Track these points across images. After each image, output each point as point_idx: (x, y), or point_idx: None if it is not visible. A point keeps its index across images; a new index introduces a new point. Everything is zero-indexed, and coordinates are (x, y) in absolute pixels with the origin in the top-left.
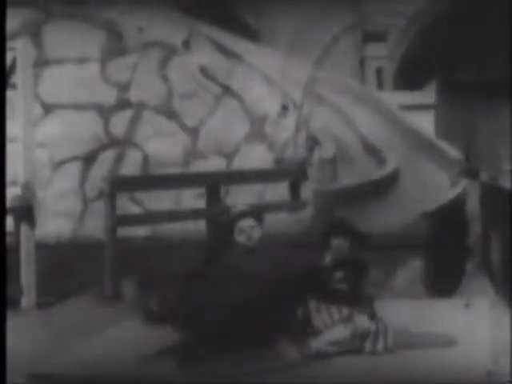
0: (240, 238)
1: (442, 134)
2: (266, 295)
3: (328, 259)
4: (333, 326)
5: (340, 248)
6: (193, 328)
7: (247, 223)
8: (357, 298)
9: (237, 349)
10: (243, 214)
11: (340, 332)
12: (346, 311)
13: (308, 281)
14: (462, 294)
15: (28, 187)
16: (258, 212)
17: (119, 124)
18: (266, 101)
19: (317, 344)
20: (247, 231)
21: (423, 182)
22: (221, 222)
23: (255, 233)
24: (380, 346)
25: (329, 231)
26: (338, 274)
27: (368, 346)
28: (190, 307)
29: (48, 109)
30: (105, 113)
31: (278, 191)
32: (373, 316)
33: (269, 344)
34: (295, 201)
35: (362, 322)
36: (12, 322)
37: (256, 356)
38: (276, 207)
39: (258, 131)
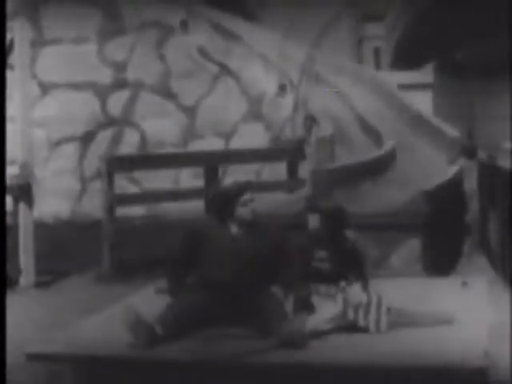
0: (242, 212)
1: (440, 113)
2: (256, 272)
3: (309, 238)
4: (323, 304)
5: (312, 225)
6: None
7: (248, 196)
8: (341, 274)
9: (224, 326)
10: (246, 187)
11: (331, 309)
12: (332, 289)
13: (296, 260)
14: (460, 272)
15: (26, 167)
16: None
17: (116, 104)
18: (263, 80)
19: (311, 323)
20: (249, 204)
21: (421, 160)
22: (226, 195)
23: (255, 206)
24: (372, 319)
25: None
26: (320, 253)
27: (361, 320)
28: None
29: (45, 89)
30: (102, 93)
31: (276, 170)
32: (365, 287)
33: (259, 322)
34: (293, 180)
35: (355, 293)
36: (11, 301)
37: (244, 335)
38: (273, 186)
39: (255, 111)
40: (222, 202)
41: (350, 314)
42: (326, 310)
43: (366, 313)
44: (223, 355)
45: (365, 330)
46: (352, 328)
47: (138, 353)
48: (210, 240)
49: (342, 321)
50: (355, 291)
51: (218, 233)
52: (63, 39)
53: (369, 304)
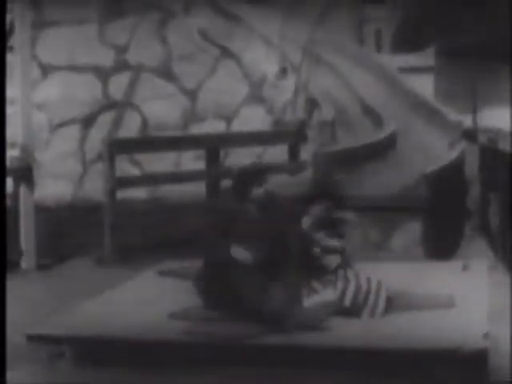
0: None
1: (442, 96)
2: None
3: (308, 223)
4: (322, 289)
5: (319, 212)
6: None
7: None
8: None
9: (241, 309)
10: (266, 170)
11: (329, 295)
12: (332, 274)
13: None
14: (461, 256)
15: (26, 149)
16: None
17: (118, 86)
18: (264, 63)
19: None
20: (263, 186)
21: (422, 144)
22: (243, 175)
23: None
24: (368, 307)
25: (309, 196)
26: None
27: (355, 307)
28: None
29: (46, 71)
30: (103, 75)
31: (277, 153)
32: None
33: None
34: (294, 163)
35: (352, 281)
36: (11, 284)
37: (258, 318)
38: (275, 169)
39: (256, 93)
40: (240, 183)
41: (347, 302)
42: (323, 295)
43: (364, 301)
44: (234, 337)
45: (356, 316)
46: (346, 314)
47: (138, 334)
48: (233, 220)
49: (337, 307)
50: (353, 279)
51: (239, 213)
52: (64, 21)
53: (368, 292)
